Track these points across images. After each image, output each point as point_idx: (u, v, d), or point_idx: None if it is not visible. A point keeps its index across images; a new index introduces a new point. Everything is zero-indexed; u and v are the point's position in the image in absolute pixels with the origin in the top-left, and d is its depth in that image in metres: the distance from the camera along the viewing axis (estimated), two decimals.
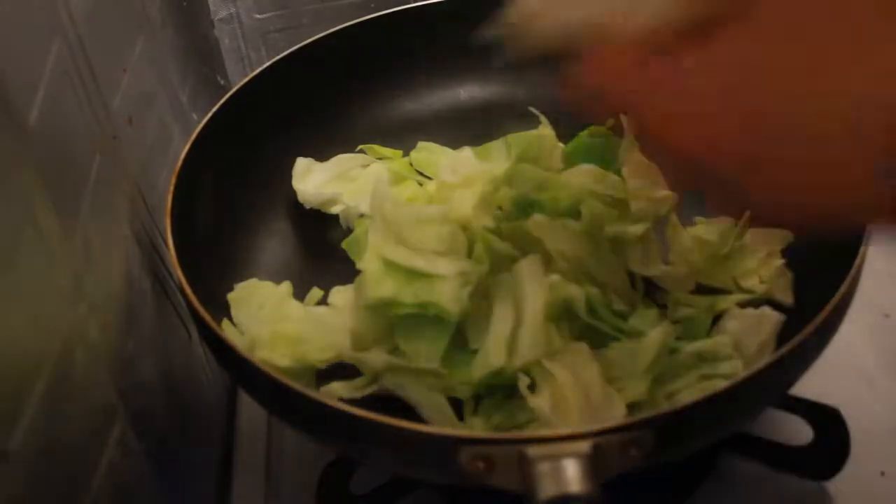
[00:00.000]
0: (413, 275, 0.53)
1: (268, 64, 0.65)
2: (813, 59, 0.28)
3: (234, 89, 0.63)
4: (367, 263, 0.54)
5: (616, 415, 0.49)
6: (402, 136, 0.70)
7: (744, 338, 0.54)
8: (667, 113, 0.33)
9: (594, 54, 0.34)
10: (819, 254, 0.52)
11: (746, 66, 0.30)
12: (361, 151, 0.68)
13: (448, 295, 0.52)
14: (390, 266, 0.54)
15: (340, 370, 0.55)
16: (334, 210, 0.65)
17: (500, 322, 0.53)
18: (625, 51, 0.33)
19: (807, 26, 0.29)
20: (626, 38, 0.33)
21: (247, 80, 0.64)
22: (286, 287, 0.59)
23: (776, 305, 0.56)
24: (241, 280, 0.59)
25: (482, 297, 0.55)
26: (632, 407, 0.50)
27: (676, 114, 0.32)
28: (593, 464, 0.39)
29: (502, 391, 0.53)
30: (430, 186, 0.65)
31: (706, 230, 0.59)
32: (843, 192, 0.31)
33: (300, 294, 0.60)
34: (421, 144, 0.68)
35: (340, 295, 0.59)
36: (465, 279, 0.53)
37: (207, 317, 0.48)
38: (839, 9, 0.28)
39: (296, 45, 0.66)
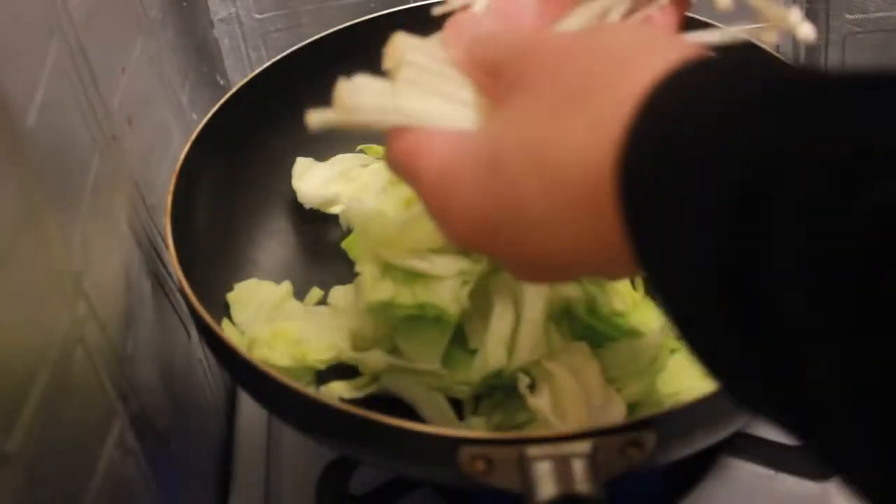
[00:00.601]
0: (412, 276, 0.53)
1: (268, 64, 0.65)
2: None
3: (234, 89, 0.62)
4: (366, 266, 0.54)
5: (616, 415, 0.49)
6: None
7: None
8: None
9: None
10: None
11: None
12: (361, 151, 0.68)
13: (447, 295, 0.52)
14: (389, 268, 0.54)
15: (340, 370, 0.55)
16: (334, 210, 0.65)
17: (500, 322, 0.53)
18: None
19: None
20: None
21: (247, 80, 0.64)
22: (286, 287, 0.59)
23: None
24: (241, 280, 0.59)
25: (482, 296, 0.55)
26: (632, 407, 0.50)
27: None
28: (593, 464, 0.39)
29: (502, 391, 0.53)
30: None
31: None
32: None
33: (300, 294, 0.60)
34: None
35: (340, 295, 0.59)
36: (465, 278, 0.53)
37: (207, 317, 0.48)
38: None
39: (296, 45, 0.66)
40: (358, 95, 0.38)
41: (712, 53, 0.29)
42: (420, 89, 0.38)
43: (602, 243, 0.30)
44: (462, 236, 0.34)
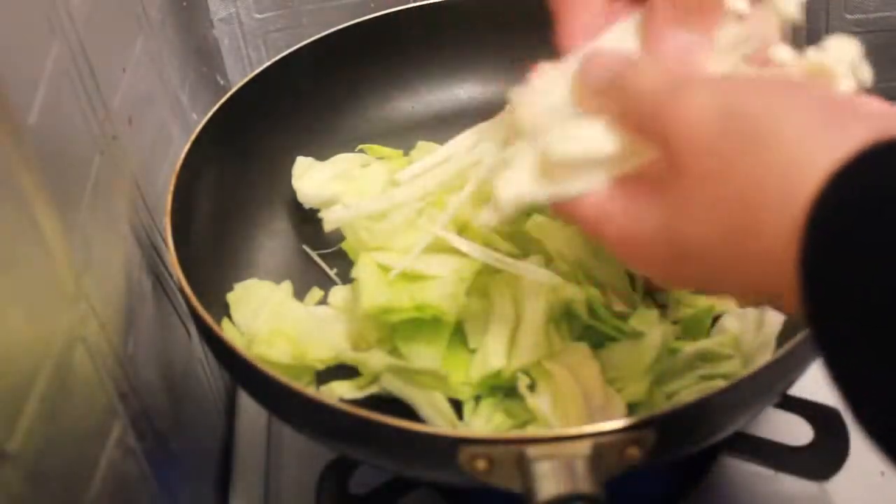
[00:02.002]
0: (408, 277, 0.53)
1: (268, 64, 0.65)
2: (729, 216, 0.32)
3: (234, 89, 0.63)
4: (361, 270, 0.54)
5: (616, 415, 0.49)
6: (402, 136, 0.70)
7: (744, 338, 0.54)
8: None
9: None
10: None
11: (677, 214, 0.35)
12: (361, 151, 0.68)
13: (444, 295, 0.52)
14: (385, 270, 0.54)
15: (340, 370, 0.55)
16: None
17: (500, 322, 0.53)
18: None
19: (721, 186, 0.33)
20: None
21: (247, 80, 0.64)
22: (286, 287, 0.59)
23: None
24: (241, 280, 0.59)
25: (482, 296, 0.55)
26: (632, 407, 0.50)
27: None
28: (593, 464, 0.39)
29: (502, 391, 0.53)
30: None
31: None
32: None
33: (300, 294, 0.60)
34: (421, 144, 0.68)
35: (340, 295, 0.59)
36: (461, 276, 0.53)
37: (207, 317, 0.48)
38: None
39: (296, 45, 0.66)
40: (511, 192, 0.41)
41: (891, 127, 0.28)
42: (564, 155, 0.39)
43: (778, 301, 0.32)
44: (661, 279, 0.39)
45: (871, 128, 0.28)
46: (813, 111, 0.30)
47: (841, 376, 0.28)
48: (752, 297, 0.34)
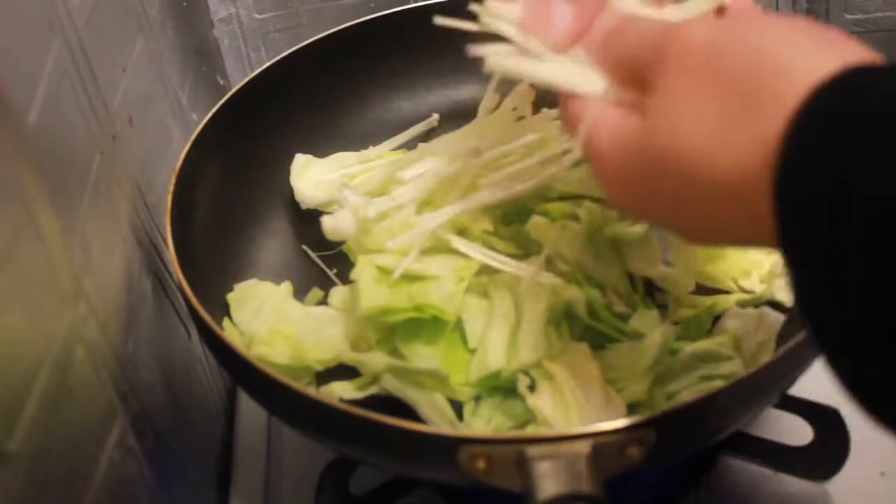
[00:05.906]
0: (407, 278, 0.53)
1: (268, 64, 0.65)
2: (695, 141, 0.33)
3: (234, 89, 0.63)
4: (360, 273, 0.54)
5: (616, 415, 0.49)
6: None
7: (744, 338, 0.54)
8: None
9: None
10: None
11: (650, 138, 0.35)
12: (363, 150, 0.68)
13: (444, 295, 0.52)
14: (384, 272, 0.54)
15: (340, 370, 0.55)
16: (333, 210, 0.65)
17: (500, 323, 0.53)
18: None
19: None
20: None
21: (247, 80, 0.64)
22: (286, 287, 0.59)
23: (776, 305, 0.56)
24: (241, 280, 0.59)
25: (482, 296, 0.55)
26: (632, 407, 0.50)
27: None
28: (593, 464, 0.39)
29: (502, 392, 0.53)
30: None
31: None
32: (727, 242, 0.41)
33: (300, 294, 0.60)
34: (421, 145, 0.68)
35: (340, 295, 0.59)
36: (459, 276, 0.53)
37: (207, 317, 0.48)
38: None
39: (296, 45, 0.66)
40: (502, 63, 0.43)
41: (870, 58, 0.29)
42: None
43: (750, 236, 0.33)
44: (616, 202, 0.39)
45: (850, 53, 0.30)
46: (801, 34, 0.32)
47: (806, 305, 0.29)
48: (721, 223, 0.34)
